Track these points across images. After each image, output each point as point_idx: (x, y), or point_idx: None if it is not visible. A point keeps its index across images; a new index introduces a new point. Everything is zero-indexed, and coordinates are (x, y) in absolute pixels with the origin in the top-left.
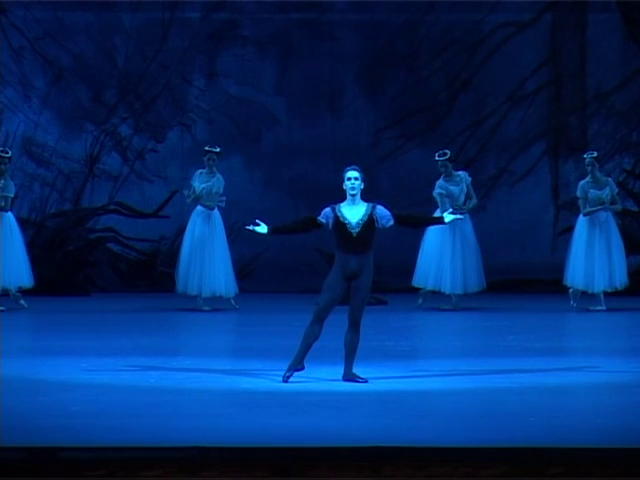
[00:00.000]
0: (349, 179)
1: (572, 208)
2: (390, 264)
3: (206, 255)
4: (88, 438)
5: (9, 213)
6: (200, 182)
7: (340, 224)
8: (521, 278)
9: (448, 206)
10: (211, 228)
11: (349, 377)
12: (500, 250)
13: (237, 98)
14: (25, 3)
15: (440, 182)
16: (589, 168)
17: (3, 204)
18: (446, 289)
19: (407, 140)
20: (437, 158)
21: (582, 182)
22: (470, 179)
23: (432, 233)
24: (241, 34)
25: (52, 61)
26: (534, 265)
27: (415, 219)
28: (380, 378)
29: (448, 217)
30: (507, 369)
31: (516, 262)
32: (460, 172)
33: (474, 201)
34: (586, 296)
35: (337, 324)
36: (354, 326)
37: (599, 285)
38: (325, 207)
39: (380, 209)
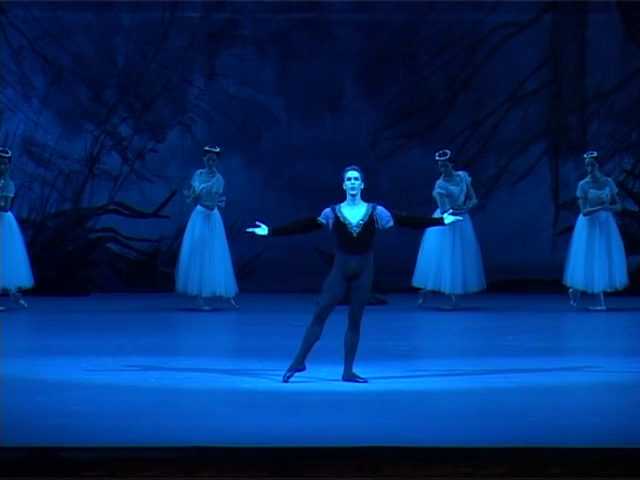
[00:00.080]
0: (349, 179)
1: (572, 208)
2: (390, 264)
3: (206, 255)
4: (88, 438)
5: (9, 213)
6: (200, 182)
7: (340, 224)
8: (521, 278)
9: (448, 206)
10: (211, 228)
11: (349, 377)
12: (500, 250)
13: (237, 98)
14: (25, 3)
15: (440, 182)
16: (589, 168)
17: (3, 204)
18: (446, 289)
19: (407, 140)
20: (437, 158)
21: (582, 182)
22: (470, 179)
23: (432, 233)
24: (241, 34)
25: (52, 61)
26: (534, 265)
27: (415, 220)
28: (380, 378)
29: (448, 218)
30: (507, 369)
31: (516, 262)
32: (460, 172)
33: (474, 201)
34: (586, 296)
35: (337, 324)
36: (354, 326)
37: (599, 285)
38: (325, 207)
39: (380, 209)
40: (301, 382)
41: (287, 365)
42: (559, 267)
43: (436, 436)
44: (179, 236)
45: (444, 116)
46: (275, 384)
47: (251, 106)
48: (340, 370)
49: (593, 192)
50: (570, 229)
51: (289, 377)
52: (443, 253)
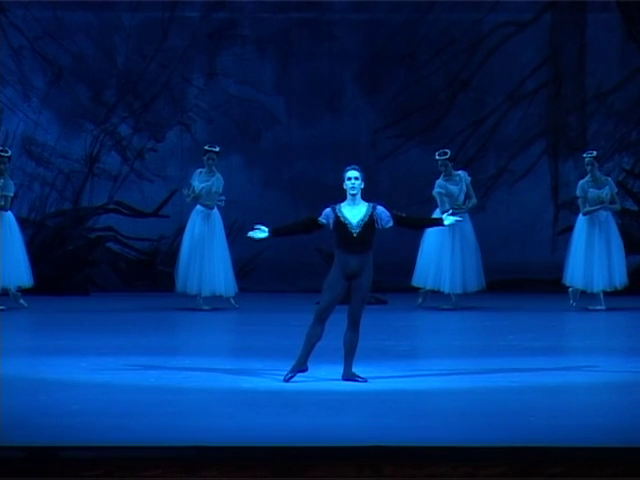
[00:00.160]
0: (349, 179)
1: (572, 207)
2: (390, 263)
3: (206, 254)
4: (88, 437)
5: (9, 212)
6: (200, 181)
7: (341, 224)
8: (520, 277)
9: (448, 205)
10: (211, 227)
11: (349, 376)
12: (499, 249)
13: (237, 97)
14: (25, 3)
15: (440, 181)
16: (588, 167)
17: (3, 203)
18: (445, 288)
19: (407, 139)
20: (437, 157)
21: (582, 181)
22: (470, 178)
23: (432, 233)
24: (241, 33)
25: (52, 60)
26: (533, 264)
27: (414, 220)
28: (380, 377)
29: (448, 220)
30: (506, 368)
31: (515, 261)
32: (460, 171)
33: (474, 200)
34: (585, 295)
35: (337, 323)
36: (354, 325)
37: (598, 285)
38: (325, 207)
39: (380, 209)
40: (301, 382)
41: (287, 365)
42: (559, 267)
43: (436, 436)
44: (179, 235)
45: (444, 116)
46: (275, 384)
47: (251, 106)
48: (340, 370)
49: (593, 192)
50: (570, 229)
51: (290, 377)
52: (443, 253)
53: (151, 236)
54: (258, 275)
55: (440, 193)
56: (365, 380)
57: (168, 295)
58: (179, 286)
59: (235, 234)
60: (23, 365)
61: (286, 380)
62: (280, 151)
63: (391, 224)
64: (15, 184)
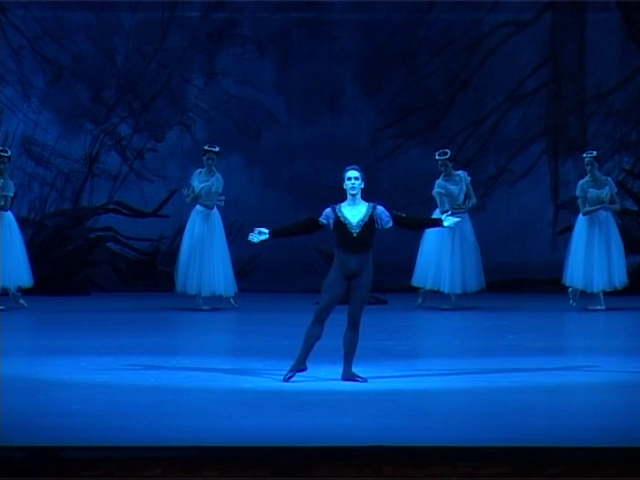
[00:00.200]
0: (349, 179)
1: (571, 207)
2: (390, 263)
3: (205, 254)
4: (87, 437)
5: (8, 212)
6: (199, 181)
7: (341, 224)
8: (520, 277)
9: (447, 205)
10: (210, 227)
11: (348, 376)
12: (499, 249)
13: (236, 97)
14: (25, 2)
15: (439, 181)
16: (588, 167)
17: (3, 203)
18: (445, 288)
19: (406, 139)
20: (437, 157)
21: (581, 181)
22: (469, 178)
23: (431, 233)
24: (240, 33)
25: (51, 60)
26: (533, 264)
27: (414, 221)
28: (379, 377)
29: (447, 221)
30: (506, 368)
31: (515, 261)
32: (459, 171)
33: (473, 200)
34: (585, 295)
35: (337, 323)
36: (353, 325)
37: (598, 284)
38: (325, 208)
39: (380, 209)
40: (301, 382)
41: (287, 365)
42: (558, 267)
43: (436, 435)
44: (178, 235)
45: (444, 115)
46: (275, 383)
47: (251, 105)
48: (340, 369)
49: (592, 191)
50: (569, 229)
51: (290, 377)
52: (442, 253)
53: (151, 236)
54: (258, 275)
55: (440, 193)
56: (365, 380)
57: (168, 295)
58: (179, 286)
59: (235, 234)
60: (23, 365)
61: (286, 380)
62: (280, 151)
63: (391, 224)
64: (15, 184)
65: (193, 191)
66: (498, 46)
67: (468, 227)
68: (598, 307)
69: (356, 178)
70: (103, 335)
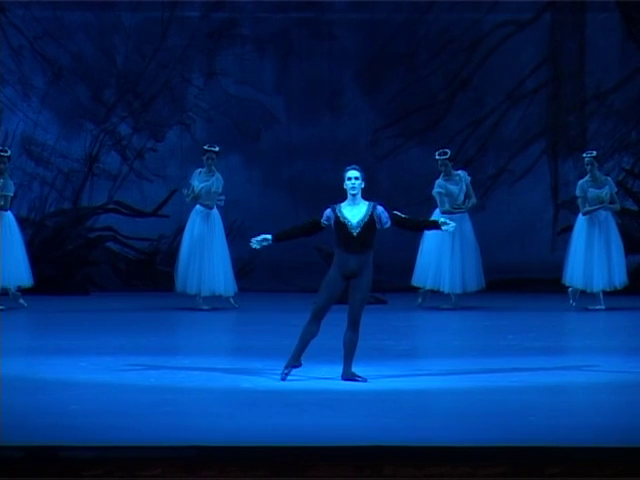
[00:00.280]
0: (349, 179)
1: (571, 207)
2: (389, 263)
3: (205, 254)
4: (87, 437)
5: (8, 212)
6: (199, 181)
7: (340, 224)
8: (520, 277)
9: (447, 205)
10: (210, 227)
11: (348, 376)
12: (499, 249)
13: (236, 97)
14: (24, 2)
15: (439, 181)
16: (588, 167)
17: (2, 203)
18: (445, 288)
19: (406, 139)
20: (437, 157)
21: (581, 181)
22: (469, 178)
23: (431, 233)
24: (240, 33)
25: (51, 60)
26: (533, 264)
27: (412, 222)
28: (379, 377)
29: (446, 226)
30: (506, 368)
31: (515, 261)
32: (459, 171)
33: (473, 200)
34: (585, 295)
35: (336, 323)
36: (353, 325)
37: (598, 284)
38: (326, 208)
39: (380, 209)
40: (300, 381)
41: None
42: (558, 266)
43: (436, 435)
44: (178, 235)
45: (443, 115)
46: (275, 383)
47: (250, 105)
48: (339, 369)
49: (592, 191)
50: (569, 228)
51: (287, 374)
52: (442, 252)
53: (151, 236)
54: (257, 275)
55: (440, 193)
56: (365, 380)
57: (168, 295)
58: (179, 286)
59: (235, 234)
60: (23, 365)
61: (283, 378)
62: (280, 151)
63: (389, 224)
64: (15, 184)
65: (193, 191)
66: (498, 46)
67: (468, 227)
68: (598, 307)
69: (356, 178)
70: (103, 335)
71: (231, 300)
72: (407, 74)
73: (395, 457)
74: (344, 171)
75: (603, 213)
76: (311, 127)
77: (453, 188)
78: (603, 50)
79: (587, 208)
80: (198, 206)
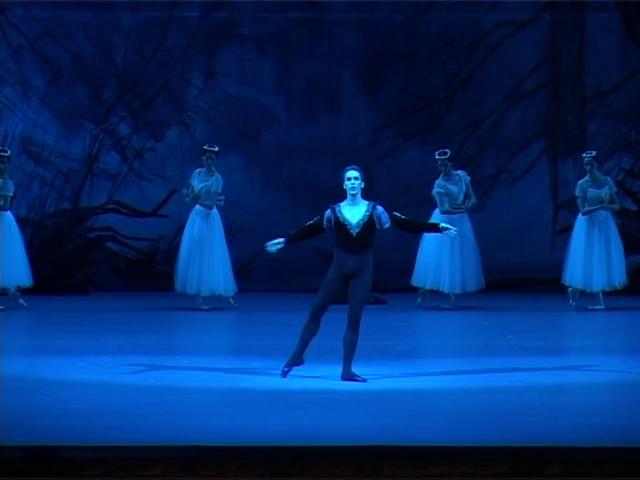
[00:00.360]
0: (349, 179)
1: (571, 207)
2: (389, 263)
3: (205, 254)
4: (87, 437)
5: (8, 212)
6: (199, 181)
7: (340, 224)
8: (520, 277)
9: (447, 205)
10: (210, 227)
11: (348, 376)
12: (499, 249)
13: (236, 97)
14: (24, 2)
15: (439, 181)
16: (588, 167)
17: (2, 203)
18: (445, 288)
19: (406, 139)
20: (437, 157)
21: (581, 181)
22: (469, 178)
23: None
24: (240, 33)
25: (51, 60)
26: (533, 264)
27: (412, 224)
28: (379, 377)
29: (448, 232)
30: (506, 368)
31: (515, 261)
32: (459, 171)
33: (473, 200)
34: (585, 295)
35: (336, 323)
36: (353, 325)
37: (598, 284)
38: (326, 209)
39: (380, 209)
40: (301, 381)
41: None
42: (558, 266)
43: (435, 435)
44: (178, 235)
45: (443, 115)
46: (274, 383)
47: (250, 105)
48: (339, 369)
49: (592, 191)
50: (569, 228)
51: (287, 372)
52: (442, 252)
53: (150, 236)
54: (257, 275)
55: (439, 193)
56: (364, 380)
57: (167, 295)
58: (178, 286)
59: (234, 234)
60: (22, 365)
61: (283, 375)
62: (279, 151)
63: (389, 225)
64: (14, 184)
65: (192, 191)
66: (497, 46)
67: (467, 227)
68: (598, 307)
69: (356, 178)
70: (102, 335)
71: (231, 300)
72: (407, 74)
73: (395, 457)
74: (343, 171)
75: (603, 213)
76: (311, 127)
77: (453, 188)
78: (603, 50)
79: (587, 208)
80: (198, 206)
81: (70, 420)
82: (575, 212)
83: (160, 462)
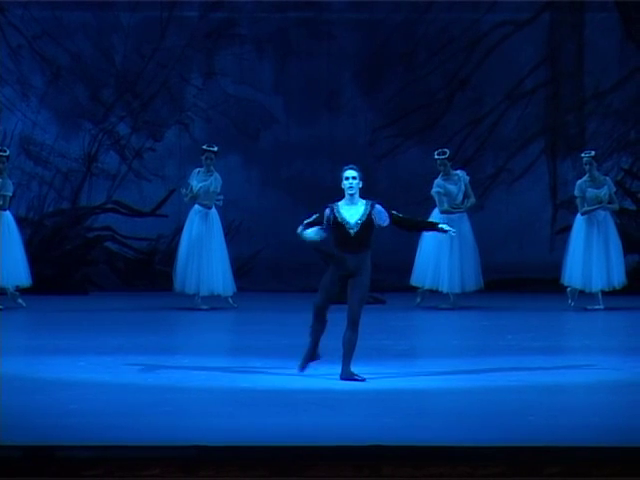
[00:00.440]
0: (347, 178)
1: (570, 207)
2: (388, 263)
3: (204, 254)
4: (86, 437)
5: (7, 212)
6: (198, 181)
7: (338, 224)
8: (519, 277)
9: (446, 205)
10: (209, 227)
11: (347, 376)
12: (498, 249)
13: (235, 97)
14: (23, 2)
15: (438, 181)
16: (587, 167)
17: (1, 203)
18: (444, 288)
19: (405, 139)
20: (436, 157)
21: (580, 181)
22: (468, 178)
23: (430, 232)
24: (239, 33)
25: (50, 60)
26: (532, 264)
27: (410, 222)
28: (378, 377)
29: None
30: (505, 368)
31: (514, 261)
32: (458, 171)
33: (472, 200)
34: (584, 295)
35: (336, 323)
36: (352, 325)
37: (597, 284)
38: (325, 208)
39: (378, 208)
40: (300, 381)
41: (287, 364)
42: (557, 266)
43: (435, 435)
44: (177, 235)
45: (442, 115)
46: (274, 383)
47: (249, 105)
48: (338, 369)
49: (591, 191)
50: (568, 228)
51: (304, 367)
52: (441, 252)
53: (149, 235)
54: (256, 274)
55: (439, 192)
56: (364, 379)
57: (166, 294)
58: (177, 285)
59: (233, 233)
60: (21, 364)
61: (301, 370)
62: (278, 150)
63: (387, 223)
64: (13, 183)
65: (191, 191)
66: (496, 46)
67: (467, 227)
68: (597, 307)
69: (354, 178)
70: (101, 334)
71: (230, 300)
72: (406, 74)
73: (394, 457)
74: (342, 171)
75: (602, 213)
76: (310, 127)
77: (452, 188)
78: (602, 50)
79: (586, 208)
80: (197, 206)
81: (69, 420)
82: (574, 212)
83: (160, 462)
